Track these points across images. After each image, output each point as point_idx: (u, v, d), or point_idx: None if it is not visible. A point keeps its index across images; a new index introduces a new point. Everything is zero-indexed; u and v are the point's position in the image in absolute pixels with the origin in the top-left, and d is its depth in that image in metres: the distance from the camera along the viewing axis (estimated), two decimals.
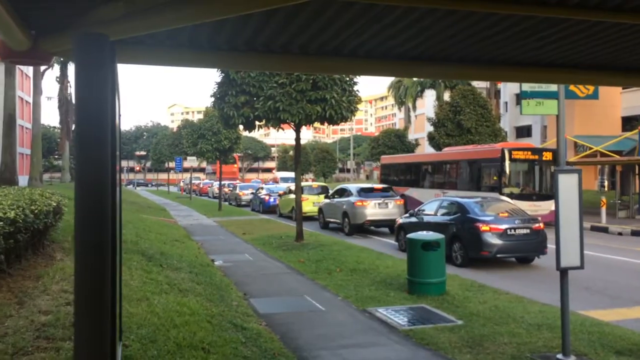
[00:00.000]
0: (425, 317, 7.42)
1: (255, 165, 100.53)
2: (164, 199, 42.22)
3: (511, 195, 18.40)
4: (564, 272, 5.82)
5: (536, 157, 19.94)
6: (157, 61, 3.68)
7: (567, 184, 5.64)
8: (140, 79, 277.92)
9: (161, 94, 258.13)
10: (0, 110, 30.09)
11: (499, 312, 7.52)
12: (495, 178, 20.14)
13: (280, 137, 77.84)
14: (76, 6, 2.49)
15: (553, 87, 6.09)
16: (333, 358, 5.85)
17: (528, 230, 11.56)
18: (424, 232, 9.38)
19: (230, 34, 3.44)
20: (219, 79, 14.31)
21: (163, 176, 78.34)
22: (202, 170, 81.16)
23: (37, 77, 33.47)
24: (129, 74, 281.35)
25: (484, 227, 11.41)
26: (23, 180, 31.55)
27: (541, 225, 11.78)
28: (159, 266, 9.16)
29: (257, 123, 14.37)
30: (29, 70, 46.35)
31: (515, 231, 11.47)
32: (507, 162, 19.50)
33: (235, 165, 79.00)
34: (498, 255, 11.53)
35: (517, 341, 6.29)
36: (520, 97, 5.85)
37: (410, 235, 9.03)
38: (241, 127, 15.39)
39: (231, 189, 37.22)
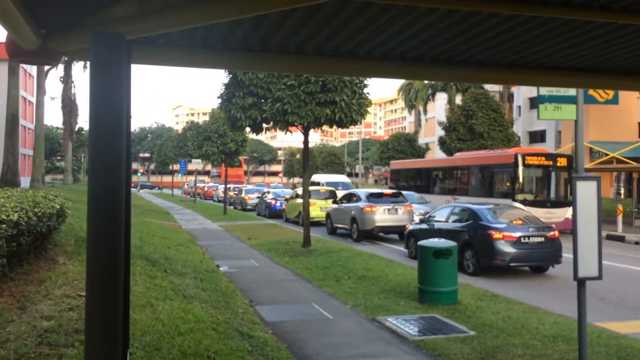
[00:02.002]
0: (437, 327, 7.20)
1: (262, 168, 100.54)
2: (167, 202, 42.17)
3: (525, 202, 18.09)
4: (581, 283, 5.59)
5: (550, 162, 19.63)
6: (170, 61, 3.60)
7: (586, 191, 5.42)
8: (144, 80, 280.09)
9: (166, 95, 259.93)
10: (2, 111, 30.17)
11: (513, 323, 7.29)
12: (508, 184, 19.85)
13: (288, 140, 77.84)
14: (88, 5, 2.39)
15: (571, 92, 5.88)
16: None
17: (542, 239, 11.29)
18: (436, 239, 9.16)
19: (245, 35, 3.35)
20: (226, 80, 14.19)
21: (167, 179, 78.49)
22: (207, 173, 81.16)
23: (41, 76, 33.40)
24: (134, 74, 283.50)
25: (496, 235, 11.16)
26: (25, 181, 31.60)
27: (556, 233, 11.51)
28: (163, 271, 9.03)
29: (264, 125, 14.23)
30: (32, 69, 46.53)
31: (529, 239, 11.20)
32: (520, 168, 19.20)
33: (241, 169, 78.97)
34: (511, 264, 11.27)
35: (532, 353, 6.07)
36: (537, 102, 5.64)
37: (422, 243, 8.83)
38: (248, 129, 15.25)
39: (236, 192, 37.05)
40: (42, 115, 30.40)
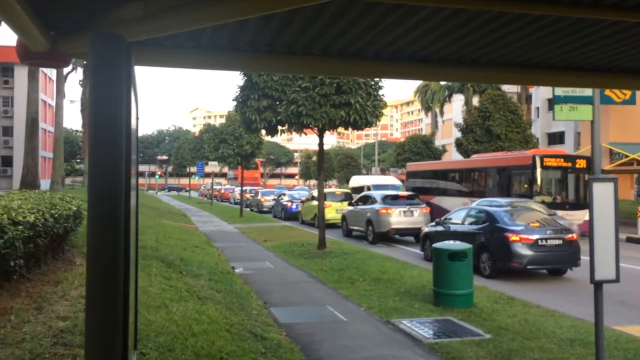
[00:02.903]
0: (452, 330, 7.14)
1: (278, 170, 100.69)
2: (184, 204, 42.47)
3: (543, 204, 17.84)
4: (598, 286, 5.49)
5: (569, 164, 19.34)
6: (176, 63, 3.62)
7: (603, 193, 5.33)
8: (162, 83, 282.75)
9: (183, 97, 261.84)
10: (23, 114, 30.64)
11: (529, 326, 7.19)
12: (526, 186, 19.60)
13: (304, 142, 77.91)
14: (95, 6, 2.42)
15: (587, 92, 5.79)
16: None
17: (560, 241, 11.13)
18: (451, 242, 9.09)
19: (252, 35, 3.35)
20: (241, 83, 14.25)
21: (184, 181, 78.88)
22: (223, 175, 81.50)
23: (60, 80, 33.92)
24: (151, 78, 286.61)
25: (513, 237, 11.03)
26: (45, 184, 32.08)
27: (574, 235, 11.34)
28: (178, 273, 9.09)
29: (279, 128, 14.26)
30: (52, 73, 47.31)
31: (547, 242, 11.05)
32: (538, 170, 18.94)
33: (257, 171, 79.11)
34: (528, 267, 11.12)
35: (549, 357, 5.98)
36: (552, 102, 5.56)
37: (437, 245, 8.76)
38: (263, 131, 15.29)
39: (253, 194, 37.18)
40: (62, 118, 30.85)
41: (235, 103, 14.53)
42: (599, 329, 5.39)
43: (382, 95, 13.99)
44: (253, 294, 9.14)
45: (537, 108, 42.87)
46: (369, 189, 25.18)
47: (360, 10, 2.99)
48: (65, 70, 35.60)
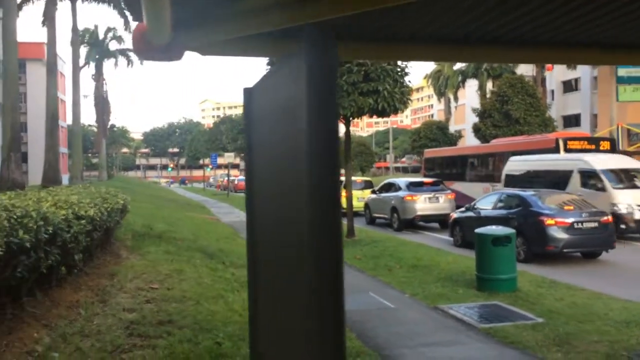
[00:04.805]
0: (502, 315, 7.15)
1: None
2: (200, 196, 42.56)
3: None
4: None
5: (593, 147, 19.16)
6: (368, 56, 3.65)
7: None
8: (170, 75, 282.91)
9: (192, 89, 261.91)
10: (36, 110, 30.71)
11: (580, 309, 7.19)
12: None
13: None
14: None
15: None
16: (417, 357, 5.68)
17: (596, 224, 11.08)
18: (493, 227, 9.08)
19: (439, 26, 3.33)
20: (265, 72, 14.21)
21: (196, 173, 78.83)
22: (235, 166, 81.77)
23: (76, 74, 33.90)
24: (158, 71, 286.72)
25: (549, 221, 10.99)
26: (64, 179, 32.21)
27: (609, 217, 11.28)
28: (221, 264, 9.17)
29: None
30: (64, 68, 47.30)
31: (582, 225, 11.01)
32: (562, 153, 18.81)
33: None
34: (564, 250, 11.10)
35: (608, 339, 5.97)
36: (617, 82, 5.50)
37: (480, 230, 8.75)
38: None
39: None
40: (79, 113, 31.04)
41: None
42: None
43: (409, 81, 13.94)
44: None
45: (552, 91, 42.44)
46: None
47: None
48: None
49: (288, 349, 1.90)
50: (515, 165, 18.70)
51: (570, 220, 11.00)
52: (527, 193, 12.45)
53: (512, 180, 17.94)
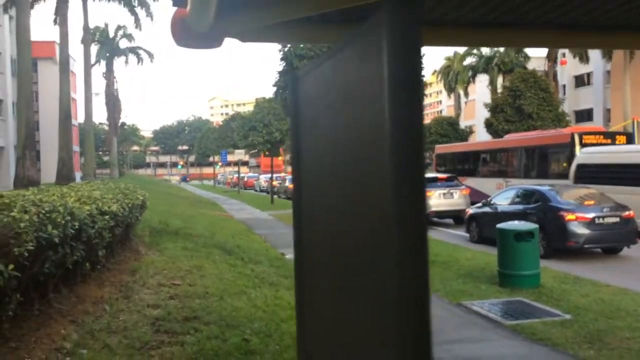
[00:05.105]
0: (527, 311, 7.03)
1: None
2: (211, 193, 42.60)
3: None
4: None
5: (609, 141, 18.90)
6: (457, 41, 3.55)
7: None
8: (179, 72, 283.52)
9: (200, 87, 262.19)
10: (48, 108, 30.78)
11: (608, 306, 7.05)
12: (565, 165, 19.25)
13: None
14: None
15: None
16: (443, 354, 5.57)
17: (617, 219, 10.91)
18: (516, 222, 8.95)
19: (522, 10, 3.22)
20: (280, 68, 14.15)
21: (206, 170, 78.75)
22: (245, 163, 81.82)
23: (88, 72, 34.01)
24: (167, 68, 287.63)
25: (569, 217, 10.84)
26: (76, 177, 32.30)
27: (631, 213, 11.10)
28: (240, 260, 9.10)
29: None
30: (75, 67, 47.43)
31: (603, 220, 10.85)
32: (577, 148, 18.56)
33: (280, 158, 79.14)
34: (585, 246, 10.94)
35: None
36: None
37: (502, 225, 8.62)
38: None
39: (279, 182, 37.16)
40: (91, 111, 31.15)
41: (275, 89, 14.46)
42: None
43: (423, 75, 13.79)
44: None
45: (564, 86, 42.04)
46: None
47: None
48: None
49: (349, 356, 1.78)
50: (589, 157, 15.93)
51: (591, 215, 10.83)
52: (546, 188, 12.29)
53: (585, 174, 15.24)
